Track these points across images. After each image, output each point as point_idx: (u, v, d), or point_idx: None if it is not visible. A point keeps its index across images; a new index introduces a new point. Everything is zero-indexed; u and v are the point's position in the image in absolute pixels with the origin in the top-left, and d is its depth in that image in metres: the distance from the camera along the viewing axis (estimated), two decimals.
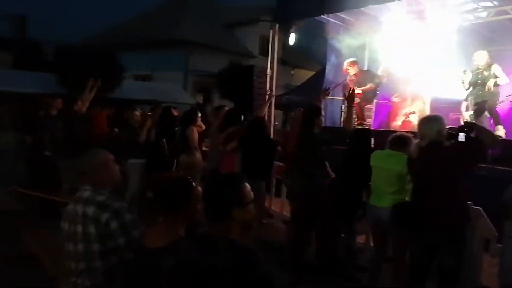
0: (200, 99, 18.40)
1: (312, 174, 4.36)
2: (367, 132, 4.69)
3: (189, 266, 1.69)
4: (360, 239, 4.84)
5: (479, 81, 6.82)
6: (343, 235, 4.52)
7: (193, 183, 2.11)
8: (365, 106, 8.48)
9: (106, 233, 2.23)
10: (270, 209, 6.33)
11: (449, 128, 3.37)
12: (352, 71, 8.07)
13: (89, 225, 2.24)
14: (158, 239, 1.94)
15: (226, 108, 6.36)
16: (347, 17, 8.76)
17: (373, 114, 9.10)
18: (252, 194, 1.89)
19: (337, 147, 4.62)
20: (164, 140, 6.21)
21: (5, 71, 14.83)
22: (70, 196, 5.55)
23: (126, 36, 19.81)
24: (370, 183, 4.09)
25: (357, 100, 7.62)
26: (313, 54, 9.97)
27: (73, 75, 10.68)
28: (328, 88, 5.57)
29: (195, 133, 6.14)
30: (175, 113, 6.69)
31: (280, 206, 6.17)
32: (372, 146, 4.43)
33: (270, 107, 8.42)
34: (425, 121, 3.35)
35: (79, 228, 2.26)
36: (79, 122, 6.24)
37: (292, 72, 22.02)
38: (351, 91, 4.52)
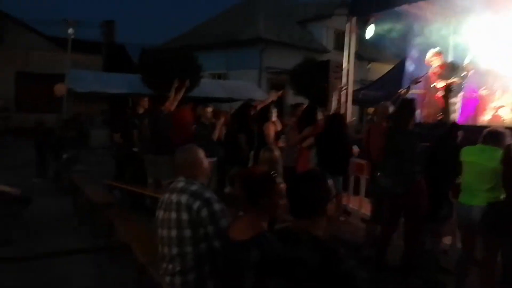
0: None
1: (411, 171, 4.15)
2: (455, 127, 4.43)
3: (276, 260, 1.74)
4: (446, 239, 4.59)
5: None
6: (427, 235, 4.32)
7: (276, 179, 2.16)
8: (449, 101, 7.98)
9: (197, 220, 2.36)
10: (348, 207, 6.22)
11: None
12: (437, 62, 7.61)
13: (182, 212, 2.39)
14: (242, 231, 2.01)
15: (303, 106, 6.35)
16: (429, 6, 8.24)
17: (458, 109, 8.54)
18: (333, 190, 1.90)
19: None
20: (243, 135, 6.34)
21: (97, 73, 16.11)
22: (155, 190, 5.92)
23: (203, 37, 20.54)
24: (457, 180, 3.86)
25: (441, 93, 7.23)
26: (391, 46, 9.49)
27: (158, 76, 11.30)
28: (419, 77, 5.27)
29: (271, 129, 6.18)
30: (252, 110, 6.77)
31: (358, 204, 6.04)
32: (459, 141, 4.20)
33: (346, 102, 8.24)
34: None
35: (173, 215, 2.43)
36: (164, 120, 6.59)
37: (368, 66, 21.38)
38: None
